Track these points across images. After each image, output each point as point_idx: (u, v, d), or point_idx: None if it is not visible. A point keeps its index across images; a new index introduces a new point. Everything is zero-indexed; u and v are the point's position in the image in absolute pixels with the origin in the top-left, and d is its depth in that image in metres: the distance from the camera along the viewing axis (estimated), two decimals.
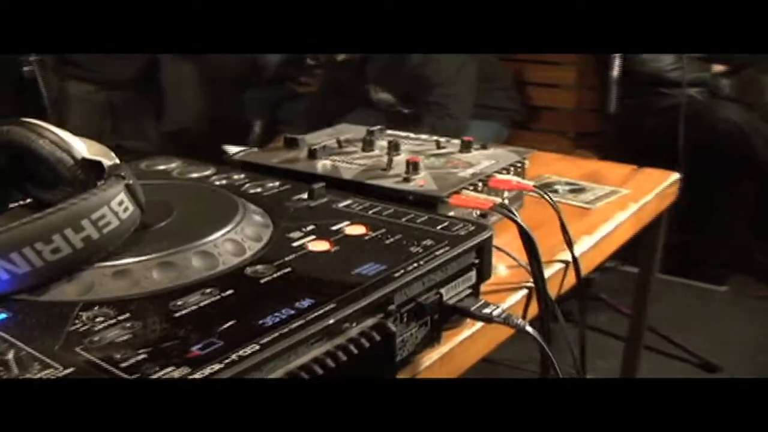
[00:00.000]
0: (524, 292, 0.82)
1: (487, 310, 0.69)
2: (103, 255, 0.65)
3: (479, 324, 0.73)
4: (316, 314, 0.57)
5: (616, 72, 1.99)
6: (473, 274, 0.72)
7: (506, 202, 0.93)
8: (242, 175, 0.91)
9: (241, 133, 3.19)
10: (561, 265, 0.89)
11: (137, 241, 0.68)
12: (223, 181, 0.89)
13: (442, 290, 0.68)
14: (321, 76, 3.02)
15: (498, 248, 0.85)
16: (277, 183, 0.88)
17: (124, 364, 0.51)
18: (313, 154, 0.98)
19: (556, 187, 1.12)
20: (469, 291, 0.72)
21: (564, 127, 2.70)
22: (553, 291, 0.89)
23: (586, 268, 0.95)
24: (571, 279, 0.90)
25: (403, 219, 0.76)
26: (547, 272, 0.87)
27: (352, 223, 0.75)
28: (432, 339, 0.69)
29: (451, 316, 0.69)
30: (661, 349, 2.12)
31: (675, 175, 1.18)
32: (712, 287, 2.56)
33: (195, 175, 0.93)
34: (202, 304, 0.60)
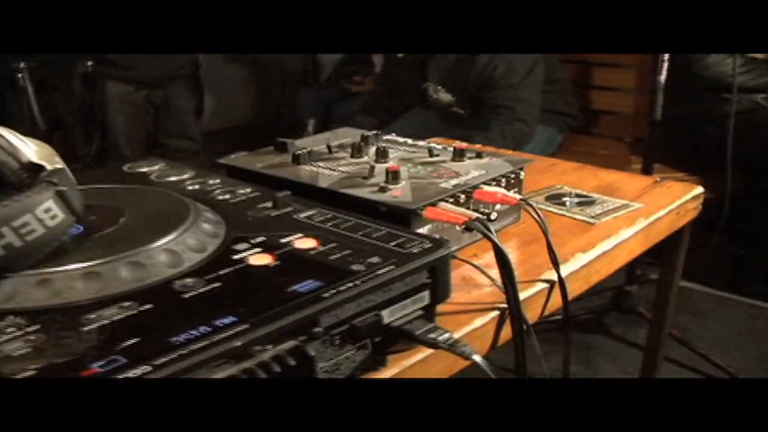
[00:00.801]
0: (494, 314, 0.77)
1: (433, 335, 0.65)
2: (31, 263, 0.63)
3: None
4: (226, 334, 0.54)
5: (663, 77, 1.89)
6: (425, 294, 0.67)
7: (494, 216, 0.88)
8: (217, 181, 0.88)
9: (294, 132, 3.18)
10: (545, 285, 0.83)
11: (73, 248, 0.66)
12: (196, 186, 0.87)
13: (384, 312, 0.64)
14: (377, 75, 2.98)
15: (472, 264, 0.80)
16: (248, 190, 0.85)
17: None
18: (296, 160, 0.94)
19: (565, 199, 1.06)
20: (419, 313, 0.67)
21: (622, 132, 2.61)
22: (536, 312, 0.83)
23: (578, 288, 0.89)
24: (558, 300, 0.84)
25: (359, 233, 0.71)
26: (531, 291, 0.82)
27: (304, 236, 0.71)
28: (375, 363, 0.65)
29: (396, 339, 0.65)
30: (699, 368, 2.01)
31: (698, 189, 1.11)
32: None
33: (173, 178, 0.90)
34: (115, 319, 0.57)
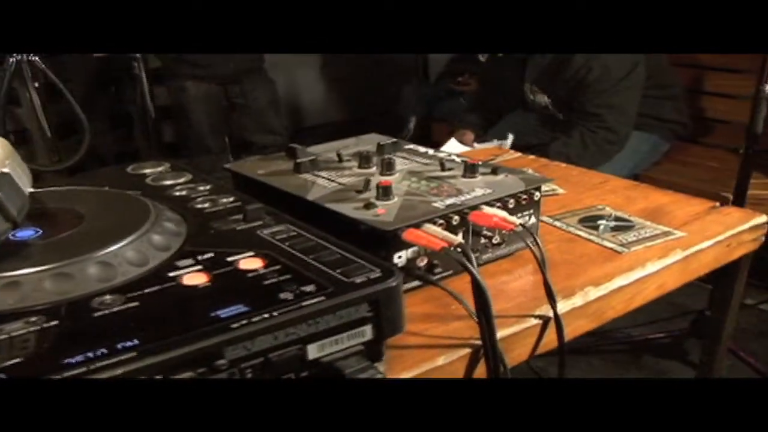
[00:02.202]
0: (465, 351, 0.70)
1: (364, 375, 0.59)
2: None
3: None
4: (118, 359, 0.50)
5: None
6: (367, 329, 0.61)
7: (497, 240, 0.81)
8: (207, 187, 0.85)
9: (394, 129, 3.14)
10: (538, 322, 0.75)
11: (4, 256, 0.64)
12: (183, 192, 0.84)
13: (311, 346, 0.58)
14: (481, 74, 2.89)
15: (451, 294, 0.74)
16: (231, 199, 0.81)
17: None
18: (298, 168, 0.90)
19: (601, 222, 0.97)
20: (359, 348, 0.61)
21: (736, 142, 2.41)
22: (525, 350, 0.76)
23: (585, 326, 0.81)
24: (553, 339, 0.76)
25: (312, 256, 0.66)
26: (520, 326, 0.74)
27: (253, 256, 0.66)
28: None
29: (325, 375, 0.59)
30: None
31: (760, 218, 0.99)
32: None
33: (167, 182, 0.88)
34: (13, 334, 0.55)
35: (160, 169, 0.93)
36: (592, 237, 0.93)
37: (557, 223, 0.97)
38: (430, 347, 0.70)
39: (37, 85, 2.98)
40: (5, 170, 0.67)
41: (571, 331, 0.78)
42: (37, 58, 2.94)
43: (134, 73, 3.17)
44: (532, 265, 0.85)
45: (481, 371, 0.71)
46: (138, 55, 3.11)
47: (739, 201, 1.80)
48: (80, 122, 2.90)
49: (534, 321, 0.75)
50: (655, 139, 2.37)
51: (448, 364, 0.69)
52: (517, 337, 0.74)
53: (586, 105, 2.21)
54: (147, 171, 0.92)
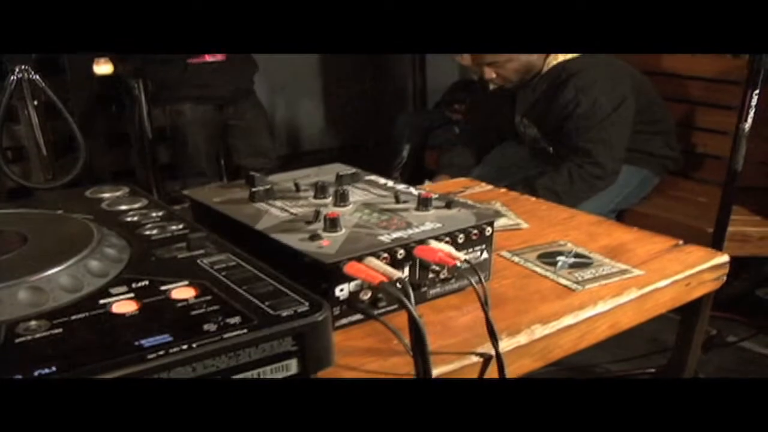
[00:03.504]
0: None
1: None
2: None
3: None
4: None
5: (748, 124, 1.72)
6: (292, 362, 0.61)
7: (444, 275, 0.81)
8: (160, 214, 0.85)
9: (390, 157, 3.15)
10: (477, 359, 0.75)
11: None
12: (135, 218, 0.84)
13: (233, 378, 0.58)
14: (469, 106, 2.90)
15: (388, 327, 0.73)
16: (180, 227, 0.81)
17: None
18: (253, 197, 0.90)
19: (560, 258, 0.97)
20: None
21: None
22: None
23: (531, 365, 0.80)
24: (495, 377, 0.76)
25: (245, 287, 0.66)
26: (461, 363, 0.74)
27: (188, 285, 0.66)
28: None
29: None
30: None
31: (721, 258, 0.98)
32: None
33: (122, 207, 0.88)
34: None
35: (118, 193, 0.93)
36: (548, 273, 0.93)
37: (515, 258, 0.97)
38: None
39: (36, 103, 3.00)
40: None
41: (514, 369, 0.78)
42: (37, 77, 2.96)
43: (134, 94, 3.19)
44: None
45: None
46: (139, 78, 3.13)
47: (719, 237, 1.79)
48: (77, 141, 2.92)
49: (475, 358, 0.75)
50: (646, 173, 2.37)
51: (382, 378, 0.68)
52: (456, 373, 0.74)
53: (574, 139, 2.21)
54: (105, 195, 0.92)
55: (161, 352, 0.55)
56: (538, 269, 0.94)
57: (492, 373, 0.76)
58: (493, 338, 0.75)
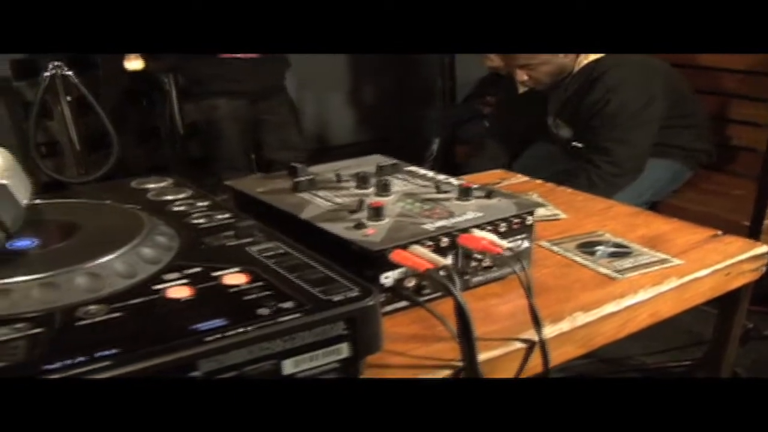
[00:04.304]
0: (445, 372, 0.70)
1: None
2: None
3: None
4: (98, 366, 0.52)
5: None
6: (344, 346, 0.62)
7: (487, 263, 0.82)
8: (206, 203, 0.86)
9: (419, 151, 3.16)
10: (523, 345, 0.75)
11: (6, 263, 0.66)
12: (182, 208, 0.86)
13: (286, 362, 0.60)
14: (499, 105, 2.89)
15: (434, 314, 0.74)
16: (227, 215, 0.82)
17: None
18: (296, 187, 0.91)
19: (598, 248, 0.97)
20: (335, 366, 0.62)
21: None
22: (509, 373, 0.76)
23: (573, 352, 0.81)
24: (539, 363, 0.77)
25: (296, 273, 0.68)
26: (504, 350, 0.75)
27: (239, 272, 0.68)
28: None
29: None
30: None
31: (761, 248, 0.99)
32: None
33: (168, 197, 0.90)
34: (0, 340, 0.56)
35: (163, 184, 0.95)
36: (587, 263, 0.93)
37: (555, 248, 0.98)
38: (411, 367, 0.71)
39: (69, 98, 3.04)
40: (3, 181, 0.69)
41: (557, 356, 0.78)
42: (71, 73, 3.00)
43: (165, 89, 3.22)
44: (523, 289, 0.86)
45: None
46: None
47: (755, 229, 1.78)
48: (110, 136, 2.96)
49: (518, 345, 0.76)
50: (678, 166, 2.36)
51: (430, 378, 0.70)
52: (501, 360, 0.75)
53: (599, 138, 2.20)
54: (150, 186, 0.94)
55: (218, 336, 0.56)
56: (577, 258, 0.95)
57: (535, 359, 0.77)
58: (537, 325, 0.75)
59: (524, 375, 0.77)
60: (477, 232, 0.81)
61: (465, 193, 0.88)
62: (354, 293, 0.63)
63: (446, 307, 0.74)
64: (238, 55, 3.01)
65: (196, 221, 0.81)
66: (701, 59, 2.63)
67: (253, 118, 3.16)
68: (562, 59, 2.23)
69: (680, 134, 2.32)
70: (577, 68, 2.26)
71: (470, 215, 0.83)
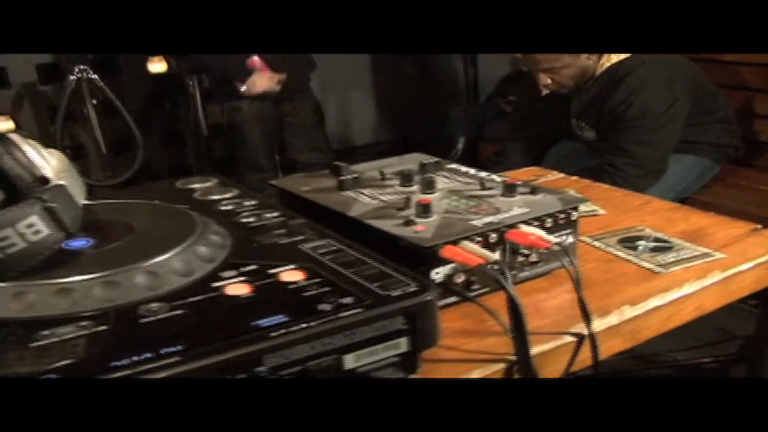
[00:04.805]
0: (499, 366, 0.71)
1: None
2: (13, 275, 0.64)
3: None
4: (163, 363, 0.53)
5: None
6: (402, 341, 0.63)
7: (534, 258, 0.83)
8: (253, 203, 0.87)
9: (443, 149, 3.16)
10: (571, 339, 0.76)
11: (58, 263, 0.67)
12: (229, 207, 0.87)
13: (348, 356, 0.61)
14: (521, 105, 2.89)
15: (486, 309, 0.75)
16: (275, 214, 0.83)
17: None
18: (342, 186, 0.92)
19: (639, 242, 0.98)
20: (395, 360, 0.63)
21: None
22: (559, 366, 0.77)
23: (620, 345, 0.81)
24: (588, 357, 0.77)
25: (351, 270, 0.68)
26: (554, 344, 0.75)
27: (295, 269, 0.68)
28: None
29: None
30: None
31: None
32: None
33: (214, 197, 0.91)
34: (65, 338, 0.58)
35: (208, 184, 0.96)
36: (630, 257, 0.94)
37: (596, 243, 0.98)
38: (464, 361, 0.72)
39: (95, 102, 3.07)
40: (61, 182, 0.70)
41: (605, 350, 0.79)
42: (96, 76, 3.02)
43: (189, 91, 3.24)
44: (569, 283, 0.86)
45: None
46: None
47: None
48: (135, 138, 2.98)
49: (568, 338, 0.76)
50: (706, 162, 2.35)
51: (482, 378, 0.70)
52: (551, 353, 0.75)
53: (621, 140, 2.20)
54: (195, 186, 0.95)
55: (282, 331, 0.57)
56: (620, 253, 0.95)
57: (584, 353, 0.77)
58: (586, 318, 0.76)
59: (573, 369, 0.78)
60: (524, 228, 0.81)
61: (510, 189, 0.88)
62: (412, 288, 0.64)
63: (494, 302, 0.75)
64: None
65: (245, 220, 0.82)
66: (723, 55, 2.61)
67: (277, 119, 3.17)
68: (585, 61, 2.23)
69: (707, 130, 2.32)
70: (599, 71, 2.25)
71: (516, 211, 0.83)
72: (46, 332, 0.58)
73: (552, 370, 0.76)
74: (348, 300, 0.62)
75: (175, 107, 3.51)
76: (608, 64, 2.23)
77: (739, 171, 2.50)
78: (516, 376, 0.72)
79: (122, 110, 3.04)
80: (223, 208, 0.86)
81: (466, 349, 0.73)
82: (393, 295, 0.63)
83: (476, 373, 0.70)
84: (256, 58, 2.98)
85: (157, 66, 3.32)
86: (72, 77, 3.03)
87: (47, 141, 3.57)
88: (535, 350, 0.72)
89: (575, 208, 0.87)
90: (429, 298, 0.63)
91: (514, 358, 0.71)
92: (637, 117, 2.15)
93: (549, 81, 2.29)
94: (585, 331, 0.77)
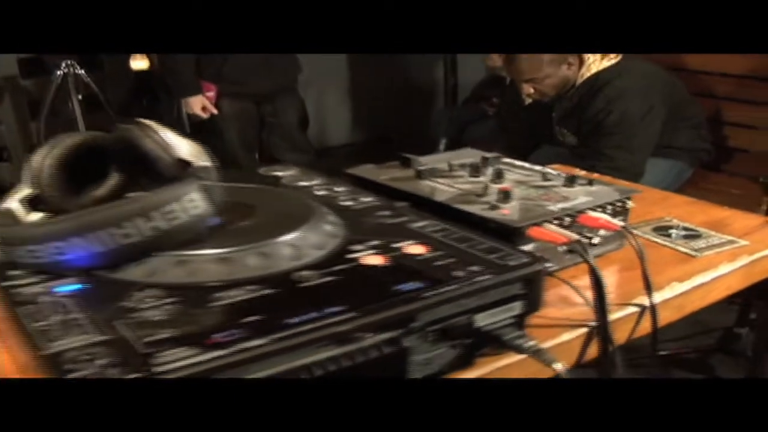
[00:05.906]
0: (583, 330, 0.82)
1: (519, 341, 0.71)
2: (173, 245, 0.73)
3: (521, 355, 0.74)
4: (333, 320, 0.62)
5: None
6: (518, 304, 0.73)
7: (597, 240, 0.93)
8: (343, 188, 0.96)
9: (419, 150, 3.26)
10: (635, 309, 0.87)
11: (210, 236, 0.76)
12: (323, 192, 0.96)
13: (477, 316, 0.70)
14: (503, 110, 3.01)
15: (567, 283, 0.86)
16: (370, 198, 0.93)
17: (145, 340, 0.58)
18: (419, 175, 1.02)
19: (671, 231, 1.10)
20: (511, 321, 0.73)
21: (758, 171, 2.54)
22: (624, 333, 0.88)
23: (670, 317, 0.92)
24: (648, 324, 0.88)
25: (465, 244, 0.78)
26: (621, 313, 0.86)
27: (415, 243, 0.78)
28: (463, 362, 0.72)
29: (484, 342, 0.71)
30: None
31: None
32: None
33: (303, 183, 0.99)
34: (239, 299, 0.66)
35: (290, 172, 1.04)
36: (666, 243, 1.05)
37: (635, 231, 1.10)
38: (554, 327, 0.82)
39: (80, 97, 3.10)
40: (206, 163, 0.79)
41: (660, 320, 0.90)
42: (82, 72, 3.05)
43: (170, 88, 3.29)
44: (620, 264, 0.98)
45: (592, 349, 0.83)
46: None
47: None
48: None
49: (632, 309, 0.87)
50: (681, 165, 2.50)
51: (569, 340, 0.81)
52: (619, 322, 0.86)
53: (601, 146, 2.34)
54: (279, 173, 1.04)
55: (432, 292, 0.67)
56: (657, 240, 1.07)
57: (646, 321, 0.88)
58: (648, 289, 0.87)
59: (635, 336, 0.89)
60: (592, 213, 0.92)
61: (570, 180, 0.99)
62: (525, 259, 0.74)
63: (565, 277, 0.86)
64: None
65: (345, 203, 0.91)
66: (696, 63, 2.77)
67: (257, 119, 3.23)
68: (566, 72, 2.37)
69: (683, 135, 2.47)
70: (579, 81, 2.40)
71: (582, 199, 0.94)
72: (219, 294, 0.66)
73: (618, 337, 0.86)
74: (476, 268, 0.72)
75: (153, 103, 3.54)
76: (588, 74, 2.37)
77: (710, 176, 2.66)
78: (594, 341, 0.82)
79: (106, 106, 3.07)
80: (318, 192, 0.95)
81: (552, 316, 0.84)
82: (511, 264, 0.73)
83: (565, 336, 0.81)
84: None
85: (139, 63, 3.36)
86: (59, 72, 3.05)
87: (25, 136, 3.57)
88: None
89: (629, 198, 0.98)
90: (540, 267, 0.74)
91: (594, 324, 0.82)
92: (616, 124, 2.30)
93: (532, 90, 2.43)
94: (646, 303, 0.88)
